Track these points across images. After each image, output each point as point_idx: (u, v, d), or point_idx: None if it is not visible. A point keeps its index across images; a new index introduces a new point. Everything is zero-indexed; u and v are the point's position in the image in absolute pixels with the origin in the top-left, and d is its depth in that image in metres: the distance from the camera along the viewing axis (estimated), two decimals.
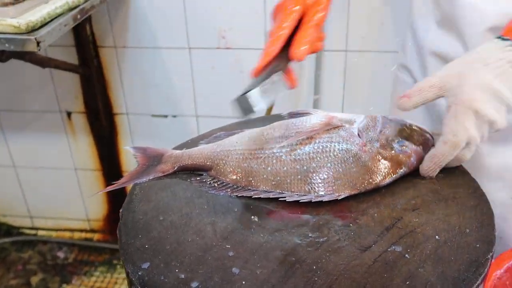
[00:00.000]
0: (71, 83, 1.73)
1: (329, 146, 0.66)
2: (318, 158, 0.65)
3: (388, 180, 0.65)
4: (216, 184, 0.67)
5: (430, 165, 0.65)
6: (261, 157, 0.67)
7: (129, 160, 1.89)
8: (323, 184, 0.64)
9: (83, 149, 1.88)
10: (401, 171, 0.65)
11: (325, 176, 0.64)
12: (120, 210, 0.64)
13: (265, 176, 0.66)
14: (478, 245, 0.55)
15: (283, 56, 0.68)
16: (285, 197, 0.64)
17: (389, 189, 0.66)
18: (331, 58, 1.57)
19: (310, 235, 0.58)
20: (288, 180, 0.65)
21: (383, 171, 0.65)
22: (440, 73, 0.65)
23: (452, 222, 0.59)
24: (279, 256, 0.55)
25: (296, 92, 1.63)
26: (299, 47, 0.67)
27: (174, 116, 1.75)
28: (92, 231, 2.06)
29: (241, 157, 0.68)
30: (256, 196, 0.65)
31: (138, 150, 0.73)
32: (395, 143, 0.66)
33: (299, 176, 0.65)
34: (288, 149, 0.66)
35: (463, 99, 0.61)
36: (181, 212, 0.63)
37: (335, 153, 0.65)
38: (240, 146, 0.69)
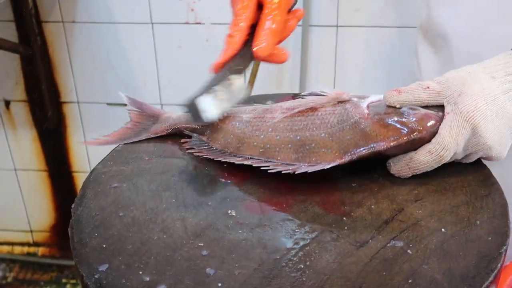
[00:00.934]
0: (9, 65, 1.71)
1: (328, 117, 0.69)
2: (314, 129, 0.68)
3: (388, 144, 0.65)
4: (204, 148, 0.73)
5: (404, 169, 0.66)
6: (258, 124, 0.71)
7: (81, 157, 1.88)
8: (312, 154, 0.67)
9: (24, 145, 1.86)
10: (406, 136, 0.65)
11: (316, 146, 0.67)
12: (72, 206, 0.64)
13: (255, 143, 0.70)
14: (489, 238, 0.57)
15: (247, 51, 0.72)
16: (268, 166, 0.66)
17: (388, 178, 0.67)
18: (319, 35, 1.59)
19: (297, 230, 0.59)
20: (277, 149, 0.68)
21: (383, 134, 0.65)
22: (439, 78, 0.67)
23: (460, 213, 0.61)
24: (261, 255, 0.56)
25: (279, 72, 1.64)
26: (260, 43, 0.72)
27: None
28: (36, 244, 2.03)
29: (237, 123, 0.72)
30: (238, 163, 0.69)
31: (134, 103, 0.79)
32: (405, 109, 0.66)
33: (289, 145, 0.68)
34: (288, 120, 0.70)
35: (463, 110, 0.63)
36: (145, 207, 0.63)
37: (333, 124, 0.68)
38: (241, 114, 0.74)
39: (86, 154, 1.87)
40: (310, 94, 0.77)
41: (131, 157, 0.73)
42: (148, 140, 0.77)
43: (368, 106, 0.69)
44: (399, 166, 0.66)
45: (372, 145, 0.65)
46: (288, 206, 0.63)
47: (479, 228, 0.59)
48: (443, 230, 0.58)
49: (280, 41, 0.76)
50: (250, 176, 0.68)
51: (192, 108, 0.69)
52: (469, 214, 0.61)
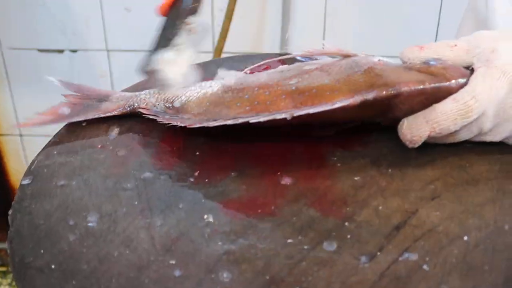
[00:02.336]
0: None
1: (332, 67, 0.70)
2: (314, 77, 0.69)
3: (411, 88, 0.65)
4: (173, 118, 0.72)
5: (420, 123, 0.67)
6: (240, 87, 0.71)
7: (7, 115, 1.85)
8: (315, 97, 0.67)
9: None
10: (432, 82, 0.66)
11: (318, 91, 0.68)
12: (9, 212, 0.64)
13: (238, 103, 0.70)
14: None
15: None
16: (258, 118, 0.67)
17: (398, 168, 0.68)
18: None
19: (289, 241, 0.60)
20: (268, 102, 0.68)
21: (405, 77, 0.67)
22: (467, 36, 0.69)
23: (486, 215, 0.62)
24: (246, 274, 0.57)
25: (258, 28, 1.63)
26: None
27: (74, 51, 1.72)
28: None
29: (213, 89, 0.73)
30: (218, 124, 0.68)
31: (72, 88, 0.79)
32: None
33: (283, 96, 0.68)
34: (278, 76, 0.71)
35: (498, 63, 0.65)
36: (101, 211, 0.63)
37: (339, 71, 0.69)
38: (217, 81, 0.75)
39: (13, 112, 1.85)
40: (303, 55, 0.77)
41: (79, 144, 0.73)
42: (99, 121, 0.76)
43: (379, 60, 0.71)
44: (414, 121, 0.67)
45: (392, 89, 0.66)
46: (277, 208, 0.64)
47: (508, 234, 0.60)
48: (465, 238, 0.60)
49: None
50: (228, 167, 0.69)
51: (152, 70, 0.71)
52: (496, 216, 0.62)
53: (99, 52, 1.73)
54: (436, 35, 1.69)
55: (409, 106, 0.67)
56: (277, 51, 1.71)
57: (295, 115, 0.66)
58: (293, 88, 0.69)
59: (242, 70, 0.78)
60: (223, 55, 1.61)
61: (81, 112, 0.76)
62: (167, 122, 0.72)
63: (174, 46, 0.73)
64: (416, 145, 0.68)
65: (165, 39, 0.73)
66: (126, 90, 0.83)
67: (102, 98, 0.77)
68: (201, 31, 0.76)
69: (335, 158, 0.70)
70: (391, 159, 0.70)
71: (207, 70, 0.83)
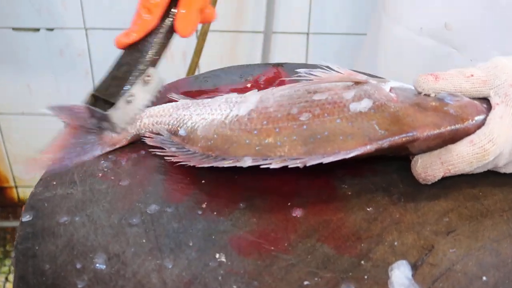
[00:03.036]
0: None
1: (342, 100, 0.67)
2: (325, 114, 0.67)
3: (428, 131, 0.64)
4: (180, 152, 0.69)
5: (435, 164, 0.65)
6: (249, 118, 0.68)
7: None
8: (327, 143, 0.65)
9: None
10: (449, 125, 0.65)
11: (330, 134, 0.65)
12: (12, 255, 0.61)
13: (247, 141, 0.67)
14: None
15: (163, 26, 0.74)
16: (270, 164, 0.65)
17: (411, 198, 0.67)
18: None
19: (305, 282, 0.59)
20: (279, 143, 0.66)
21: (421, 120, 0.65)
22: (486, 64, 0.67)
23: (503, 252, 0.61)
24: None
25: (239, 6, 1.61)
26: (188, 23, 0.74)
27: (50, 30, 1.67)
28: None
29: (221, 117, 0.70)
30: (229, 165, 0.66)
31: (63, 111, 0.74)
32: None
33: (294, 137, 0.66)
34: (286, 107, 0.68)
35: None
36: (108, 251, 0.61)
37: (351, 108, 0.67)
38: (224, 107, 0.71)
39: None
40: (309, 73, 0.74)
41: (79, 172, 0.70)
42: None
43: (391, 90, 0.68)
44: (429, 161, 0.66)
45: (409, 133, 0.64)
46: (290, 244, 0.62)
47: None
48: (484, 278, 0.59)
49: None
50: (236, 198, 0.67)
51: (103, 119, 0.70)
52: None
53: (77, 30, 1.67)
54: None
55: (425, 147, 0.66)
56: (262, 28, 1.67)
57: (307, 164, 0.64)
58: (304, 127, 0.66)
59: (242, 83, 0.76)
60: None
61: (86, 148, 0.72)
62: (174, 160, 0.69)
63: (131, 97, 0.71)
64: (429, 183, 0.67)
65: (120, 85, 0.71)
66: None
67: (100, 118, 0.72)
68: (156, 82, 0.74)
69: (345, 186, 0.68)
70: (402, 187, 0.68)
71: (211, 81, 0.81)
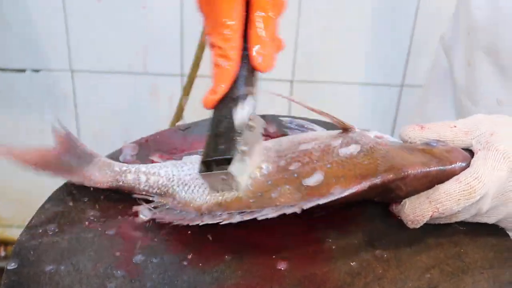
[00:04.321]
0: None
1: (332, 145, 0.69)
2: (314, 161, 0.68)
3: (418, 170, 0.66)
4: (174, 213, 0.69)
5: (423, 204, 0.67)
6: None
7: None
8: (321, 186, 0.66)
9: None
10: (436, 165, 0.66)
11: (323, 177, 0.66)
12: None
13: (241, 195, 0.67)
14: None
15: (245, 69, 0.68)
16: (267, 214, 0.65)
17: (394, 253, 0.67)
18: None
19: None
20: (273, 194, 0.67)
21: (410, 160, 0.67)
22: (466, 119, 0.70)
23: None
24: None
25: None
26: (263, 57, 0.68)
27: (36, 71, 1.67)
28: None
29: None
30: (225, 222, 0.66)
31: (60, 128, 0.74)
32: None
33: (287, 186, 0.67)
34: (275, 159, 0.69)
35: (499, 147, 0.65)
36: None
37: (340, 153, 0.68)
38: None
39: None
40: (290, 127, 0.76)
41: (65, 220, 0.70)
42: (84, 192, 0.73)
43: (376, 137, 0.71)
44: (417, 201, 0.67)
45: (399, 171, 0.66)
46: None
47: None
48: None
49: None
50: (222, 250, 0.67)
51: (221, 179, 0.66)
52: None
53: (62, 72, 1.67)
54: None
55: (412, 188, 0.67)
56: None
57: (304, 208, 0.65)
58: (295, 175, 0.67)
59: None
60: None
61: (64, 169, 0.73)
62: (169, 220, 0.69)
63: (239, 146, 0.65)
64: (418, 226, 0.68)
65: (223, 136, 0.65)
66: (112, 155, 0.79)
67: (88, 157, 0.74)
68: (260, 125, 0.70)
69: (330, 240, 0.69)
70: (385, 242, 0.69)
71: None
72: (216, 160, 0.64)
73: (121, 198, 0.73)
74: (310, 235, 0.70)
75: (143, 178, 0.72)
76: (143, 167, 0.73)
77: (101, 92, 1.72)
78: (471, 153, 0.68)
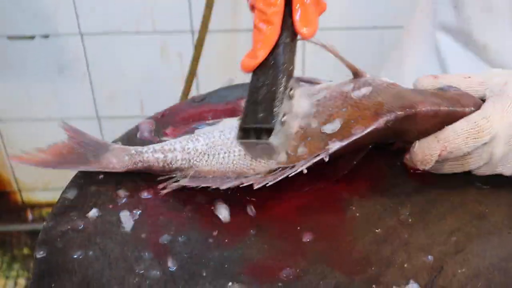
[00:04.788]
0: None
1: (344, 91, 0.71)
2: (330, 108, 0.70)
3: (429, 108, 0.67)
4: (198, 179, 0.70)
5: (432, 143, 0.67)
6: None
7: None
8: (342, 130, 0.68)
9: None
10: (447, 105, 0.67)
11: (341, 121, 0.69)
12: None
13: (263, 162, 0.69)
14: None
15: (286, 33, 0.65)
16: (297, 169, 0.67)
17: (418, 216, 0.67)
18: None
19: None
20: (300, 150, 0.69)
21: (422, 99, 0.68)
22: (480, 72, 0.70)
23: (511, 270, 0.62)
24: None
25: None
26: (306, 22, 0.65)
27: (45, 37, 1.66)
28: None
29: (228, 151, 0.70)
30: (259, 185, 0.67)
31: (68, 127, 0.73)
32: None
33: (308, 138, 0.69)
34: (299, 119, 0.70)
35: (511, 94, 0.66)
36: (124, 286, 0.62)
37: (354, 95, 0.70)
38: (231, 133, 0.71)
39: None
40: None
41: (88, 204, 0.70)
42: (105, 176, 0.73)
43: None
44: (426, 141, 0.68)
45: (410, 109, 0.67)
46: (302, 270, 0.63)
47: None
48: None
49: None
50: (246, 224, 0.67)
51: (260, 149, 0.64)
52: None
53: (72, 36, 1.66)
54: None
55: (422, 128, 0.68)
56: None
57: (330, 152, 0.67)
58: (313, 125, 0.69)
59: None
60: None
61: (81, 161, 0.72)
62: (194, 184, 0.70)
63: (279, 116, 0.63)
64: (428, 166, 0.68)
65: (263, 104, 0.63)
66: (121, 139, 0.79)
67: (101, 147, 0.73)
68: (299, 97, 0.68)
69: (353, 208, 0.69)
70: (410, 206, 0.69)
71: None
72: (255, 129, 0.63)
73: (144, 177, 0.73)
74: (333, 204, 0.70)
75: (160, 156, 0.71)
76: (157, 146, 0.72)
77: (111, 54, 1.71)
78: (484, 101, 0.68)
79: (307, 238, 0.66)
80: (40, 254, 0.65)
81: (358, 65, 0.72)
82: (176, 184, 0.71)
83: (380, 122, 0.67)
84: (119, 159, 0.72)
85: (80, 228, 0.67)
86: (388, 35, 1.69)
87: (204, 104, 0.82)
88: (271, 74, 0.64)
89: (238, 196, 0.69)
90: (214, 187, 0.69)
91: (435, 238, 0.65)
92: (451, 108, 0.67)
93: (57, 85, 1.76)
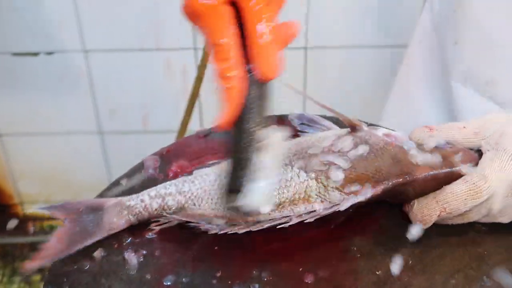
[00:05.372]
0: None
1: (341, 149, 0.71)
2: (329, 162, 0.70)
3: (426, 173, 0.67)
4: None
5: (431, 204, 0.68)
6: None
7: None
8: (340, 188, 0.68)
9: None
10: (445, 167, 0.68)
11: (341, 177, 0.69)
12: None
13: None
14: None
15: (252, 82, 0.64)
16: (290, 220, 0.68)
17: (418, 259, 0.68)
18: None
19: None
20: (293, 200, 0.69)
21: (422, 162, 0.68)
22: (477, 119, 0.70)
23: None
24: None
25: None
26: (267, 66, 0.62)
27: (49, 54, 1.67)
28: None
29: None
30: (256, 229, 0.68)
31: (54, 209, 0.72)
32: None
33: (305, 186, 0.69)
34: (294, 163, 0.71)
35: (507, 148, 0.66)
36: None
37: (350, 156, 0.70)
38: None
39: None
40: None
41: (94, 244, 0.71)
42: None
43: (385, 135, 0.71)
44: (425, 201, 0.68)
45: (408, 176, 0.67)
46: None
47: None
48: None
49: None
50: (250, 264, 0.68)
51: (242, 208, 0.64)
52: None
53: (76, 53, 1.67)
54: None
55: (421, 190, 0.68)
56: None
57: (322, 214, 0.67)
58: (312, 175, 0.70)
59: None
60: None
61: (87, 235, 0.71)
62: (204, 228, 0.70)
63: (254, 171, 0.63)
64: (427, 226, 0.69)
65: (240, 163, 0.63)
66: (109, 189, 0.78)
67: (96, 209, 0.72)
68: (278, 141, 0.68)
69: (354, 249, 0.70)
70: (409, 247, 0.70)
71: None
72: (234, 191, 0.63)
73: (142, 225, 0.74)
74: (334, 243, 0.71)
75: (157, 202, 0.72)
76: (152, 192, 0.73)
77: (115, 70, 1.72)
78: (480, 153, 0.69)
79: (309, 279, 0.67)
80: None
81: (355, 117, 0.72)
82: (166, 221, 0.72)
83: (377, 190, 0.68)
84: (118, 216, 0.72)
85: (86, 268, 0.68)
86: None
87: (208, 140, 0.83)
88: (235, 135, 0.64)
89: (241, 236, 0.70)
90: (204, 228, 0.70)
91: (434, 280, 0.66)
92: (448, 170, 0.67)
93: (60, 100, 1.77)
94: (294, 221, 0.68)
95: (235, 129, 0.63)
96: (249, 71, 0.63)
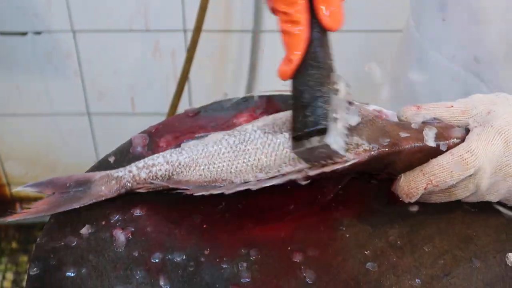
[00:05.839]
0: None
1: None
2: None
3: (413, 145, 0.67)
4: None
5: (418, 177, 0.68)
6: (243, 149, 0.70)
7: None
8: None
9: None
10: (432, 140, 0.68)
11: None
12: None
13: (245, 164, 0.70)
14: None
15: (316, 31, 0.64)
16: (273, 182, 0.68)
17: (407, 239, 0.68)
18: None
19: None
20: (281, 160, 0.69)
21: (404, 133, 0.68)
22: (464, 98, 0.70)
23: None
24: None
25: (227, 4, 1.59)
26: (335, 14, 0.64)
27: (38, 33, 1.65)
28: None
29: (216, 153, 0.71)
30: (237, 189, 0.69)
31: (41, 186, 0.72)
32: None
33: (292, 156, 0.68)
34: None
35: (494, 124, 0.66)
36: None
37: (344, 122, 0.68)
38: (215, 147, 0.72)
39: None
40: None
41: (81, 221, 0.70)
42: None
43: (375, 110, 0.72)
44: (411, 174, 0.68)
45: (394, 146, 0.67)
46: None
47: None
48: None
49: None
50: (238, 242, 0.68)
51: (318, 152, 0.63)
52: None
53: (64, 33, 1.66)
54: None
55: (408, 162, 0.68)
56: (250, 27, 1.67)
57: (309, 174, 0.67)
58: None
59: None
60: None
61: (74, 200, 0.71)
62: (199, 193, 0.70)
63: (330, 114, 0.63)
64: (413, 199, 0.69)
65: (310, 106, 0.63)
66: (98, 167, 0.78)
67: (85, 183, 0.72)
68: (344, 86, 0.66)
69: (343, 228, 0.70)
70: (398, 228, 0.70)
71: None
72: (308, 133, 0.63)
73: (136, 194, 0.73)
74: (323, 223, 0.70)
75: (145, 172, 0.72)
76: (140, 163, 0.73)
77: (104, 51, 1.71)
78: (468, 131, 0.69)
79: (297, 258, 0.67)
80: (33, 271, 0.66)
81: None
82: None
83: (363, 156, 0.67)
84: (107, 186, 0.72)
85: (73, 244, 0.68)
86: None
87: (197, 118, 0.83)
88: (311, 74, 0.64)
89: (226, 207, 0.70)
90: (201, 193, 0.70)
91: (423, 260, 0.67)
92: (436, 143, 0.68)
93: (48, 81, 1.76)
94: (281, 180, 0.68)
95: (300, 76, 0.64)
96: (314, 20, 0.64)
